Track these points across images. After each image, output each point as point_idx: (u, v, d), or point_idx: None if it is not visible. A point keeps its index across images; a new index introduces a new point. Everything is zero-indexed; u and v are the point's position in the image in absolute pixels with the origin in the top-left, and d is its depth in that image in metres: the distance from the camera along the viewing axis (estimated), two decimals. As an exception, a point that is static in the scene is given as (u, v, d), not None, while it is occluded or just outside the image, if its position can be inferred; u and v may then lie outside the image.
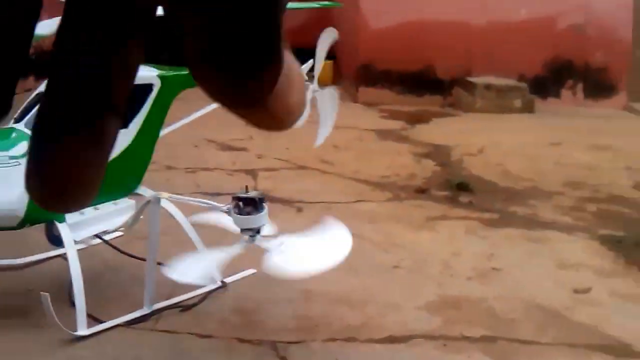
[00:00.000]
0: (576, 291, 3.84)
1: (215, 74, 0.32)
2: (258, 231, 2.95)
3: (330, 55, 4.41)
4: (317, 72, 3.73)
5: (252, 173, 5.96)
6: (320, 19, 8.33)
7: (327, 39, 3.73)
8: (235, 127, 6.60)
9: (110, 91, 0.32)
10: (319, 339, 3.25)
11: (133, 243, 3.78)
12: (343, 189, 5.63)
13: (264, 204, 2.97)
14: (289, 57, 0.34)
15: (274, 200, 5.09)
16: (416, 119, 8.70)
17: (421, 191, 5.63)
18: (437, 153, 6.96)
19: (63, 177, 0.34)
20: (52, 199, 0.35)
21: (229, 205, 3.01)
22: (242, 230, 2.96)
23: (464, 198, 5.48)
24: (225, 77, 0.32)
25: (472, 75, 9.65)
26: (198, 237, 3.49)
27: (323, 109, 3.71)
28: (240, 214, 2.94)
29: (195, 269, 2.90)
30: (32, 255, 3.85)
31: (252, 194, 2.99)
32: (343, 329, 3.34)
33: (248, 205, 2.94)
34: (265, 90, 0.34)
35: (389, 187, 5.76)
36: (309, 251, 2.91)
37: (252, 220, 2.94)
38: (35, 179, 0.33)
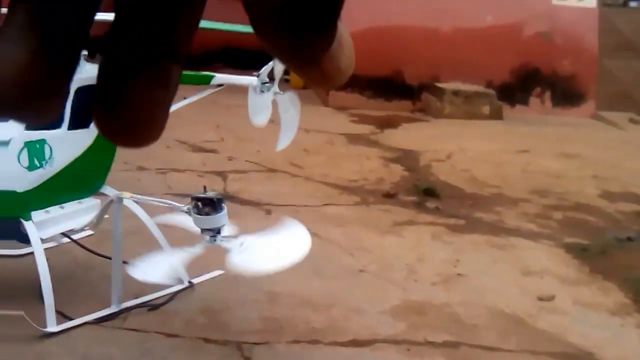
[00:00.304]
0: (540, 298, 3.87)
1: (283, 34, 0.35)
2: (218, 231, 2.96)
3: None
4: (277, 75, 3.68)
5: (222, 175, 5.96)
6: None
7: None
8: (207, 129, 6.63)
9: (175, 42, 0.35)
10: (283, 340, 3.26)
11: (104, 242, 3.77)
12: (312, 192, 5.65)
13: (222, 204, 2.98)
14: (340, 24, 0.38)
15: (243, 202, 5.10)
16: (386, 123, 8.73)
17: (389, 196, 5.66)
18: (406, 158, 7.00)
19: (131, 112, 0.37)
20: (121, 132, 0.38)
21: (189, 206, 3.02)
22: (203, 230, 2.97)
23: (431, 203, 5.51)
24: (292, 36, 0.35)
25: (439, 81, 9.70)
26: (163, 236, 3.49)
27: (284, 114, 3.64)
28: (199, 214, 2.95)
29: (158, 269, 2.91)
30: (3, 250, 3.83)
31: (210, 194, 3.00)
32: (308, 332, 3.35)
33: (207, 205, 2.95)
34: (324, 49, 0.38)
35: (357, 191, 5.78)
36: (269, 250, 2.93)
37: (211, 221, 2.95)
38: (104, 113, 0.36)
